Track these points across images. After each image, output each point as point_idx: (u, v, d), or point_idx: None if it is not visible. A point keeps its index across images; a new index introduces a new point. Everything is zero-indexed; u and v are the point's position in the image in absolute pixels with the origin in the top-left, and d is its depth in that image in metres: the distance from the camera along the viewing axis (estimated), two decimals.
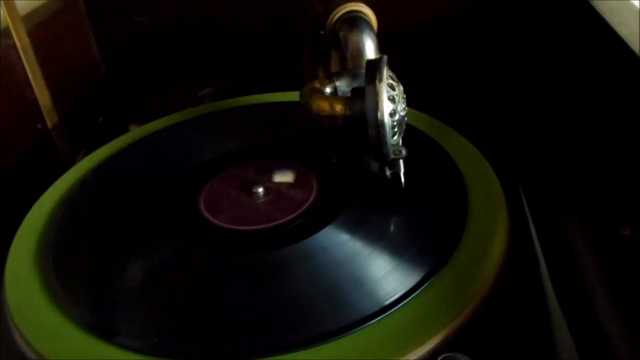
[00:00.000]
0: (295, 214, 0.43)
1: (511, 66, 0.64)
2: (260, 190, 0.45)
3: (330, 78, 0.46)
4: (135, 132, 0.56)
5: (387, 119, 0.40)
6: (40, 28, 0.63)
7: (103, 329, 0.35)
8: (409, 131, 0.44)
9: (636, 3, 0.47)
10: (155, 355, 0.33)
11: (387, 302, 0.35)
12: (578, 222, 0.43)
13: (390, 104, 0.40)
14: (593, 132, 0.46)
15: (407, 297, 0.35)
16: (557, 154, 0.50)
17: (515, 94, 0.60)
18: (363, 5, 0.48)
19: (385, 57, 0.41)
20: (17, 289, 0.39)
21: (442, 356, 0.26)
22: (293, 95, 0.50)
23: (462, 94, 0.61)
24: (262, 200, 0.44)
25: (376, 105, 0.39)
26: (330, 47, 0.51)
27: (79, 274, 0.40)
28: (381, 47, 0.46)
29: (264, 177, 0.46)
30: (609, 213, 0.41)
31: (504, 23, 0.65)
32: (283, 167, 0.47)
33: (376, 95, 0.39)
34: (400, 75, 0.43)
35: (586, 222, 0.42)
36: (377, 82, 0.40)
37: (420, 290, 0.35)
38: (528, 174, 0.49)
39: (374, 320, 0.34)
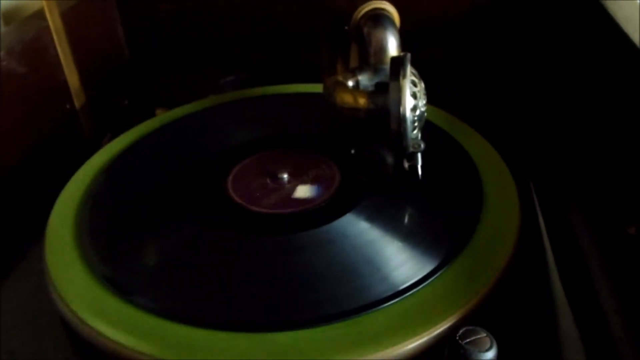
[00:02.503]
0: (318, 200, 0.45)
1: (522, 64, 0.65)
2: (285, 176, 0.47)
3: (353, 72, 0.48)
4: (163, 117, 0.58)
5: (409, 114, 0.42)
6: (72, 11, 0.65)
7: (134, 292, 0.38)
8: (427, 126, 0.46)
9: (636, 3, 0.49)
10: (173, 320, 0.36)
11: (403, 286, 0.37)
12: (585, 219, 0.44)
13: (412, 99, 0.42)
14: (601, 131, 0.48)
15: (422, 283, 0.37)
16: (566, 152, 0.52)
17: (526, 92, 0.62)
18: (387, 3, 0.50)
19: (409, 55, 0.43)
20: (57, 258, 0.41)
21: (463, 329, 0.28)
22: (316, 87, 0.52)
23: (472, 92, 0.63)
24: (286, 186, 0.46)
25: (399, 101, 0.41)
26: (352, 42, 0.53)
27: (114, 243, 0.43)
28: None
29: (289, 164, 0.48)
30: (615, 211, 0.43)
31: (515, 21, 0.67)
32: (308, 181, 0.48)
33: (400, 91, 0.41)
34: None
35: (593, 220, 0.44)
36: (401, 78, 0.41)
37: (435, 276, 0.37)
38: (538, 170, 0.50)
39: (391, 302, 0.36)
